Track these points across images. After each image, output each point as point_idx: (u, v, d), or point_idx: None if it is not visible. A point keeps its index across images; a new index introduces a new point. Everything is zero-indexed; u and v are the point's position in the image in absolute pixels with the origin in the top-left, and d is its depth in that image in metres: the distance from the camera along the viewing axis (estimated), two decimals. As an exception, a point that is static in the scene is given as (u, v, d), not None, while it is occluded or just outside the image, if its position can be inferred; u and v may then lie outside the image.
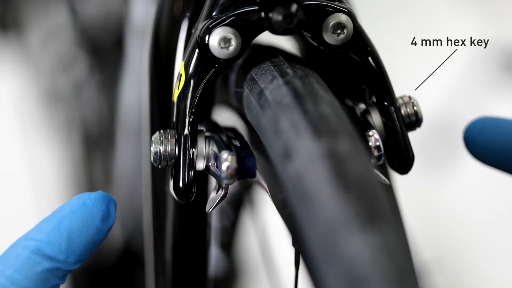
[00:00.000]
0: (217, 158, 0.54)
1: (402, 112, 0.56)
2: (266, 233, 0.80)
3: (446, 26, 2.06)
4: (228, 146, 0.54)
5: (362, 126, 0.54)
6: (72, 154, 1.28)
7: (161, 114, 0.63)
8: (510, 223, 1.64)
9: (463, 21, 1.99)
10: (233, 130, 0.58)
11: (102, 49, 1.21)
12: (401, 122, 0.56)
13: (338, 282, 0.40)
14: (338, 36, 0.54)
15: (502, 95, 1.81)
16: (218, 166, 0.54)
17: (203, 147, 0.55)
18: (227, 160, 0.52)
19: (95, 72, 1.21)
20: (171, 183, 0.55)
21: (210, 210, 0.55)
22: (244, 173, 0.53)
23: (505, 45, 1.87)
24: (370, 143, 0.53)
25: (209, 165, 0.55)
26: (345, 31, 0.54)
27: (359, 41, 0.55)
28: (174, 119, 0.55)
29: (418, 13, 2.13)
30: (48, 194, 1.55)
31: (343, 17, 0.53)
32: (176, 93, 0.55)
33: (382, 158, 0.53)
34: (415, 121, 0.57)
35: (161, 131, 0.55)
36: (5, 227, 1.69)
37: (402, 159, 0.56)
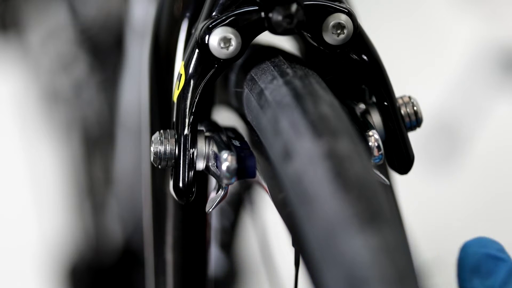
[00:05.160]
0: (217, 158, 0.54)
1: (402, 112, 0.56)
2: (266, 233, 0.80)
3: (446, 26, 2.06)
4: (228, 146, 0.54)
5: (362, 126, 0.54)
6: (72, 154, 1.28)
7: (161, 114, 0.63)
8: (510, 223, 1.64)
9: (463, 21, 1.99)
10: (233, 130, 0.58)
11: (102, 49, 1.21)
12: (401, 122, 0.56)
13: (338, 282, 0.40)
14: (338, 36, 0.54)
15: (502, 95, 1.81)
16: (218, 166, 0.54)
17: (203, 147, 0.55)
18: (227, 160, 0.52)
19: (95, 72, 1.21)
20: (171, 183, 0.55)
21: (210, 210, 0.55)
22: (244, 173, 0.53)
23: (505, 45, 1.87)
24: (370, 143, 0.53)
25: (209, 165, 0.55)
26: (345, 31, 0.54)
27: (359, 41, 0.55)
28: (174, 119, 0.55)
29: (419, 13, 2.13)
30: (48, 194, 1.55)
31: (343, 17, 0.53)
32: (176, 93, 0.55)
33: (382, 158, 0.53)
34: (415, 121, 0.57)
35: (161, 131, 0.55)
36: (5, 227, 1.69)
37: (402, 159, 0.56)
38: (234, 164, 0.52)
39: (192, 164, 0.55)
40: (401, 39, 2.01)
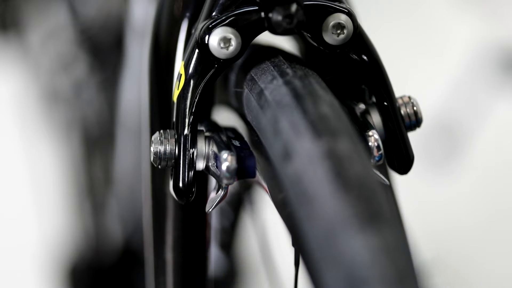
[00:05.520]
0: (217, 158, 0.54)
1: (402, 112, 0.56)
2: (266, 233, 0.80)
3: (446, 26, 2.06)
4: (228, 146, 0.54)
5: (362, 126, 0.54)
6: (72, 154, 1.28)
7: (161, 114, 0.63)
8: (510, 223, 1.64)
9: (463, 21, 1.99)
10: (233, 130, 0.58)
11: (102, 49, 1.21)
12: (401, 122, 0.56)
13: (338, 282, 0.40)
14: (338, 36, 0.54)
15: (502, 95, 1.81)
16: (218, 166, 0.54)
17: (203, 147, 0.55)
18: (227, 160, 0.52)
19: (95, 72, 1.21)
20: (171, 183, 0.55)
21: (210, 210, 0.55)
22: (244, 173, 0.53)
23: (505, 45, 1.87)
24: (370, 143, 0.53)
25: (209, 165, 0.55)
26: (345, 31, 0.54)
27: (359, 41, 0.55)
28: (174, 119, 0.55)
29: (419, 13, 2.13)
30: (48, 194, 1.55)
31: (343, 17, 0.54)
32: (176, 93, 0.55)
33: (382, 158, 0.53)
34: (415, 121, 0.57)
35: (161, 131, 0.55)
36: (5, 227, 1.69)
37: (402, 159, 0.56)
38: (234, 164, 0.52)
39: (192, 164, 0.55)
40: (401, 39, 2.01)
